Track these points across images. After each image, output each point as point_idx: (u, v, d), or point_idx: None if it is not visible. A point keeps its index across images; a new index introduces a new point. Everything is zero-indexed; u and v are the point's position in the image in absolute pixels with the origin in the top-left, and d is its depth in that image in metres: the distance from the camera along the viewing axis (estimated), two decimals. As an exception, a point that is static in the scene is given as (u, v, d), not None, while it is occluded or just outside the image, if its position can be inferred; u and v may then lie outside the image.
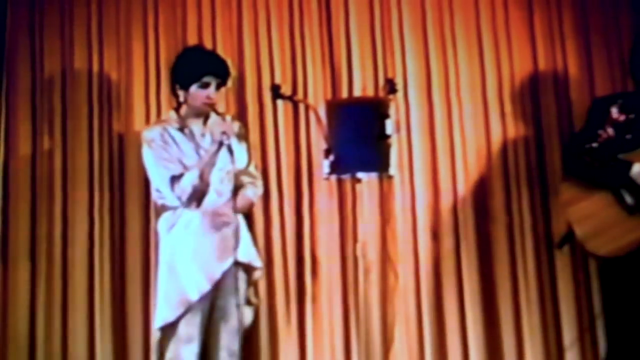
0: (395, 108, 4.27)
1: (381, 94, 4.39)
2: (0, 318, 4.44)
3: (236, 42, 4.62)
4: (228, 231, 3.77)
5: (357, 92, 4.53)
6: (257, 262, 3.94)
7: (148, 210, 4.48)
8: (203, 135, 3.86)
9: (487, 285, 4.41)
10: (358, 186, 4.09)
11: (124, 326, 4.45)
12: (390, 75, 4.52)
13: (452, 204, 4.48)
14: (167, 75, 4.55)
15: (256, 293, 4.10)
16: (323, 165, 3.92)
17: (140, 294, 4.44)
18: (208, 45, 4.57)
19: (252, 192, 3.97)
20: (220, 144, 3.73)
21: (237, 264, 3.78)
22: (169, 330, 3.73)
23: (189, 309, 3.69)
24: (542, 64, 4.58)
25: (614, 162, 3.61)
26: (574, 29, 4.61)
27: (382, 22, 4.62)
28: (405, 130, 4.52)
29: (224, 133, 3.73)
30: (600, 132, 3.62)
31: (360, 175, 4.01)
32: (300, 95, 4.51)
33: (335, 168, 3.81)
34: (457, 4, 4.62)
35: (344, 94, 4.55)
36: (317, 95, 4.55)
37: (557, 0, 4.62)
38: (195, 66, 3.85)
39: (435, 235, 4.45)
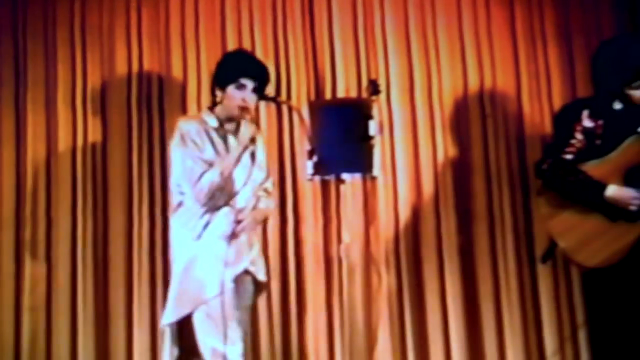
0: (378, 109, 4.28)
1: (364, 95, 4.40)
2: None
3: (220, 43, 4.61)
4: (243, 238, 3.75)
5: (341, 93, 4.55)
6: (262, 276, 3.86)
7: (131, 211, 4.50)
8: (235, 138, 3.81)
9: (468, 285, 4.45)
10: (342, 187, 4.10)
11: (107, 327, 4.45)
12: (373, 76, 4.53)
13: (434, 204, 4.50)
14: (150, 76, 4.59)
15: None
16: (307, 166, 3.91)
17: (123, 295, 4.46)
18: (191, 47, 4.60)
19: (265, 205, 3.93)
20: (245, 148, 3.72)
21: (247, 272, 3.78)
22: (178, 329, 3.70)
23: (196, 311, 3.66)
24: (523, 65, 4.62)
25: (587, 180, 3.61)
26: (556, 30, 4.65)
27: (365, 23, 4.64)
28: (388, 131, 4.55)
29: (252, 140, 3.75)
30: (573, 141, 3.63)
31: (344, 176, 4.02)
32: (283, 96, 4.52)
33: (319, 169, 3.81)
34: (439, 6, 4.65)
35: (328, 95, 4.57)
36: (300, 97, 4.57)
37: (539, 2, 4.66)
38: (233, 67, 3.83)
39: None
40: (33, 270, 4.46)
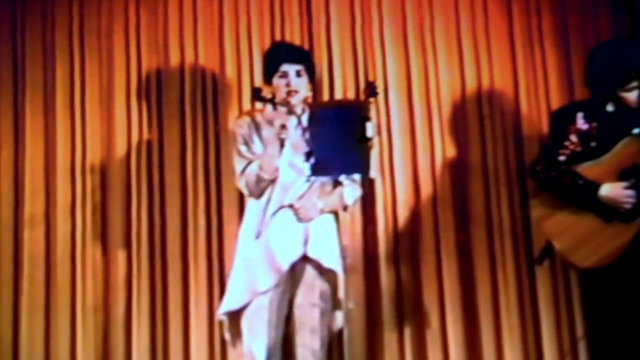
0: (376, 111, 4.29)
1: (362, 96, 4.40)
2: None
3: (217, 45, 4.62)
4: (300, 225, 3.72)
5: (338, 95, 4.55)
6: (330, 262, 3.70)
7: (129, 213, 4.50)
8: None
9: (466, 286, 4.44)
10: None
11: (107, 329, 4.45)
12: (370, 78, 4.53)
13: (432, 206, 4.51)
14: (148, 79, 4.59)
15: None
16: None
17: (123, 296, 4.46)
18: (189, 49, 4.62)
19: (350, 195, 3.91)
20: (279, 137, 3.67)
21: (311, 261, 3.72)
22: (235, 319, 3.71)
23: (252, 301, 3.65)
24: (521, 66, 4.62)
25: (581, 181, 3.62)
26: (553, 30, 4.65)
27: (362, 25, 4.64)
28: (386, 132, 4.55)
29: (282, 126, 3.68)
30: (567, 143, 3.64)
31: (341, 177, 4.03)
32: (280, 98, 4.53)
33: (316, 171, 3.81)
34: (437, 8, 4.65)
35: (325, 97, 4.57)
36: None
37: (537, 3, 4.67)
38: (269, 58, 3.88)
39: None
40: (31, 271, 4.47)
